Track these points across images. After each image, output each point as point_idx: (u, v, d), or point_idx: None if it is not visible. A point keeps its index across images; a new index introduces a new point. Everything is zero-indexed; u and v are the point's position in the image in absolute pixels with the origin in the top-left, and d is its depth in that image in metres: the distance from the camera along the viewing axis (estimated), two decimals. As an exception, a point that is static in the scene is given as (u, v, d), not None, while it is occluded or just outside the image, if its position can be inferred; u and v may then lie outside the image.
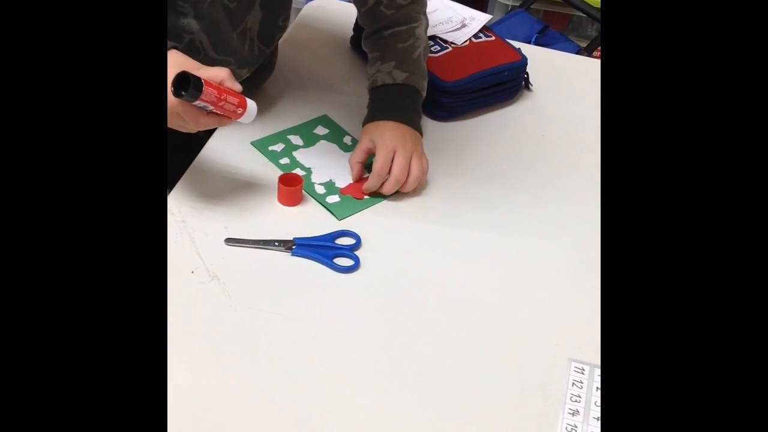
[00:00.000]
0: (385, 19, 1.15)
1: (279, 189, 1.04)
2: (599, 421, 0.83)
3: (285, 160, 1.12)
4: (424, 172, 1.08)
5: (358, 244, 1.00)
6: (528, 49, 1.34)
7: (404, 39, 1.14)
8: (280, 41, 1.23)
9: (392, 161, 1.05)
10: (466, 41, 1.30)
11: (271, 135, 1.16)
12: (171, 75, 0.87)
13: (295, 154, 1.13)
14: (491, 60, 1.26)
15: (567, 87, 1.37)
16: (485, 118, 1.27)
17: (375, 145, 1.07)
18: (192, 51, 1.05)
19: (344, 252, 0.99)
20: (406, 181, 1.06)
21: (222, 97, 0.90)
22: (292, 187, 1.04)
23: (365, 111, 1.15)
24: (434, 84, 1.20)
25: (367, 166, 1.09)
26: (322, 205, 1.06)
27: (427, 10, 1.21)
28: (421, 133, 1.12)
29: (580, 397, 0.86)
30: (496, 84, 1.26)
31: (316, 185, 1.09)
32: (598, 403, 0.85)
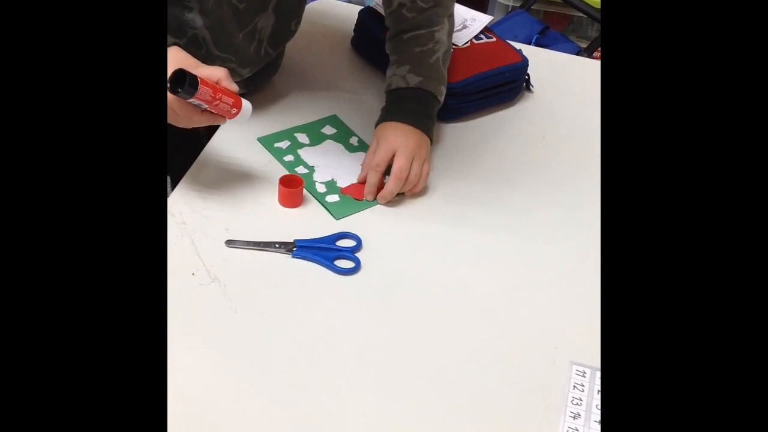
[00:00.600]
0: (405, 22, 1.14)
1: (280, 190, 1.04)
2: (600, 425, 0.83)
3: (289, 157, 1.12)
4: (420, 176, 1.07)
5: (358, 246, 1.00)
6: (528, 50, 1.33)
7: (423, 43, 1.14)
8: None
9: (393, 161, 1.05)
10: (467, 42, 1.29)
11: (278, 132, 1.16)
12: (170, 72, 0.88)
13: (299, 151, 1.13)
14: (492, 61, 1.26)
15: (567, 88, 1.37)
16: (486, 119, 1.27)
17: (378, 144, 1.08)
18: (194, 46, 1.05)
19: (345, 254, 0.98)
20: (405, 184, 1.06)
21: (217, 97, 0.92)
22: (293, 189, 1.04)
23: (375, 113, 1.15)
24: (435, 85, 1.20)
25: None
26: (321, 203, 1.06)
27: None
28: (431, 139, 1.12)
29: (581, 400, 0.86)
30: (498, 85, 1.26)
31: (317, 183, 1.09)
32: (599, 407, 0.85)
